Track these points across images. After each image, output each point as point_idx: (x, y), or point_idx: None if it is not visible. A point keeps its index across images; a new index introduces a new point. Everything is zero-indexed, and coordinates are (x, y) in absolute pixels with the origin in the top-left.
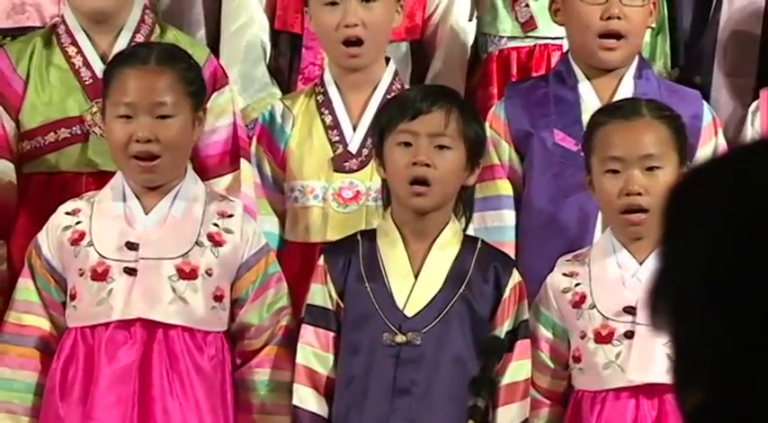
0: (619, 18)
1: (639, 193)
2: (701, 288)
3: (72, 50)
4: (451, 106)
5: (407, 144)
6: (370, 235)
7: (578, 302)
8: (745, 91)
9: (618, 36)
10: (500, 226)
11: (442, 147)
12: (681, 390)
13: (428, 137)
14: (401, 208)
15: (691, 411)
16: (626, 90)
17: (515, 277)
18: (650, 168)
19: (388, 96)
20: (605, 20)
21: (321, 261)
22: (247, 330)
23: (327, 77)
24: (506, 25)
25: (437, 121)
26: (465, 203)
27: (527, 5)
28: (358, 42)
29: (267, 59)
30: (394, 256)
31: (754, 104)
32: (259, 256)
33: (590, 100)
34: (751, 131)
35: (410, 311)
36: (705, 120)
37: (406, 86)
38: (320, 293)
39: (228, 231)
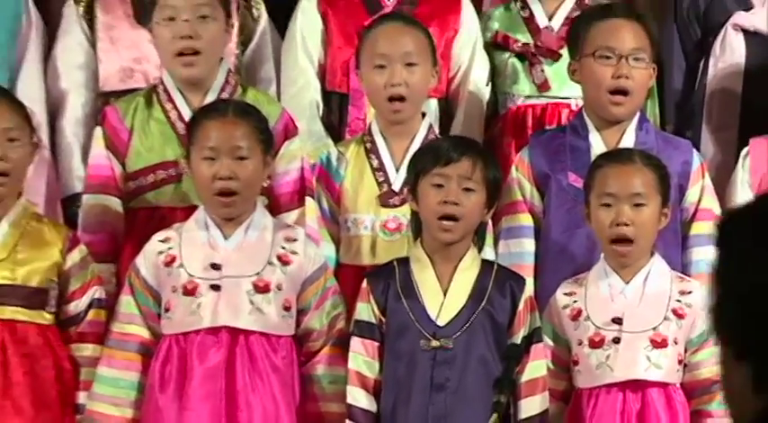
0: (627, 77)
1: (627, 224)
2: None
3: (169, 106)
4: (477, 156)
5: (440, 185)
6: (404, 261)
7: (575, 316)
8: (729, 142)
9: (625, 92)
10: (521, 252)
11: (468, 189)
12: (757, 393)
13: (457, 180)
14: (431, 238)
15: (763, 411)
16: (628, 139)
17: (527, 292)
18: (637, 205)
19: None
20: (615, 78)
21: (364, 284)
22: (310, 334)
23: (374, 128)
24: (524, 86)
25: (465, 167)
26: (480, 235)
27: (542, 70)
28: (401, 99)
29: (321, 115)
30: (426, 278)
31: (744, 150)
32: (319, 273)
33: (599, 148)
34: (741, 173)
35: (442, 322)
36: (694, 165)
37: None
38: (365, 310)
39: (294, 252)
